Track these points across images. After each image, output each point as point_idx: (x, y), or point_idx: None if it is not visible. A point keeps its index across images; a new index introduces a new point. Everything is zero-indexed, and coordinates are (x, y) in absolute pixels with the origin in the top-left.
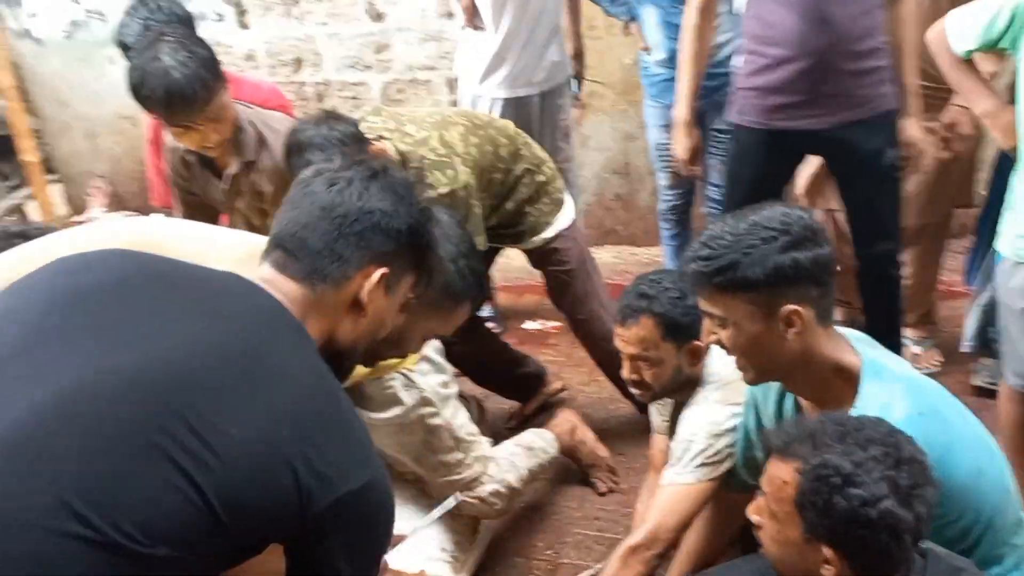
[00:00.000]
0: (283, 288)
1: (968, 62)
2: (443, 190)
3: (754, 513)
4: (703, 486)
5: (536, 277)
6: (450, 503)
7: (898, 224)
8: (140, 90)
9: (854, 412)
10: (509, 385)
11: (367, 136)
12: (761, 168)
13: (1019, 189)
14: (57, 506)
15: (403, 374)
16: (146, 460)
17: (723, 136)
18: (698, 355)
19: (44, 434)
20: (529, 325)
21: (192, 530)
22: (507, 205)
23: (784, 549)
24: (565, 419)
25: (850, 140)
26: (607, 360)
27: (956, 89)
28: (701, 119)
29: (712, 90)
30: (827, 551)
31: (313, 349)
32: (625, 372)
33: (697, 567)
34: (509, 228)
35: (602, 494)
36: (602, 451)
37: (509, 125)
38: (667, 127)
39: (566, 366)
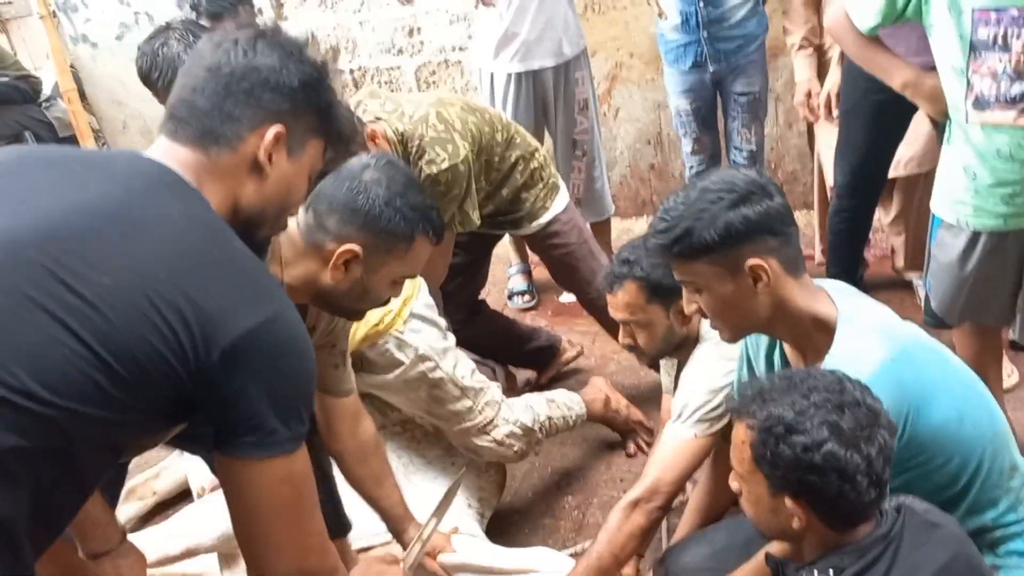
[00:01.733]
0: (175, 155)
1: (875, 39)
2: (443, 165)
3: (732, 481)
4: (701, 441)
5: None
6: (456, 484)
7: None
8: (149, 75)
9: (828, 360)
10: (521, 361)
11: (363, 119)
12: None
13: (947, 157)
14: None
15: (394, 336)
16: (25, 315)
17: (743, 99)
18: (688, 315)
19: None
20: (564, 299)
21: (91, 383)
22: (503, 192)
23: (758, 509)
24: (597, 388)
25: None
26: None
27: (868, 68)
28: (720, 83)
29: (730, 53)
30: (789, 502)
31: (203, 204)
32: (620, 338)
33: (705, 522)
34: (507, 215)
35: (630, 455)
36: (636, 415)
37: (501, 115)
38: (686, 92)
39: (599, 336)
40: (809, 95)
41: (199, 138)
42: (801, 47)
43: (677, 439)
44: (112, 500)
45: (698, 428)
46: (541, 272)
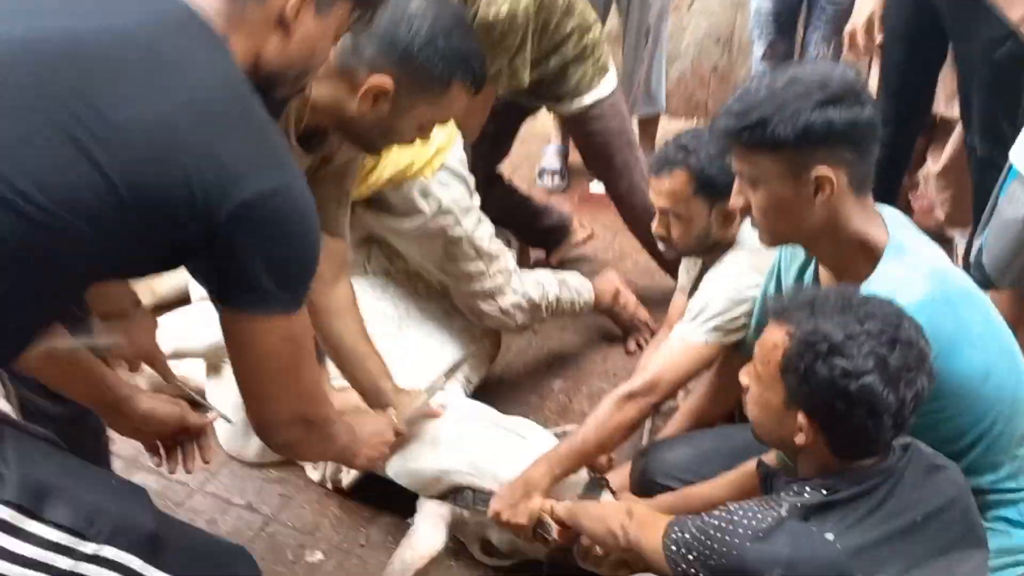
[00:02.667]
0: (203, 1)
1: None
2: (503, 9)
3: (744, 376)
4: (710, 349)
5: None
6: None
7: None
8: None
9: (865, 287)
10: (532, 238)
11: None
12: None
13: None
14: None
15: (421, 183)
16: (42, 125)
17: (831, 8)
18: (730, 218)
19: None
20: (595, 188)
21: (95, 202)
22: (551, 62)
23: (764, 413)
24: (609, 280)
25: None
26: (647, 236)
27: None
28: None
29: None
30: (802, 418)
31: (227, 56)
32: (654, 225)
33: (694, 428)
34: (549, 87)
35: (629, 353)
36: (642, 314)
37: None
38: None
39: (621, 232)
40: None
41: None
42: None
43: (686, 341)
44: None
45: (710, 336)
46: (576, 157)
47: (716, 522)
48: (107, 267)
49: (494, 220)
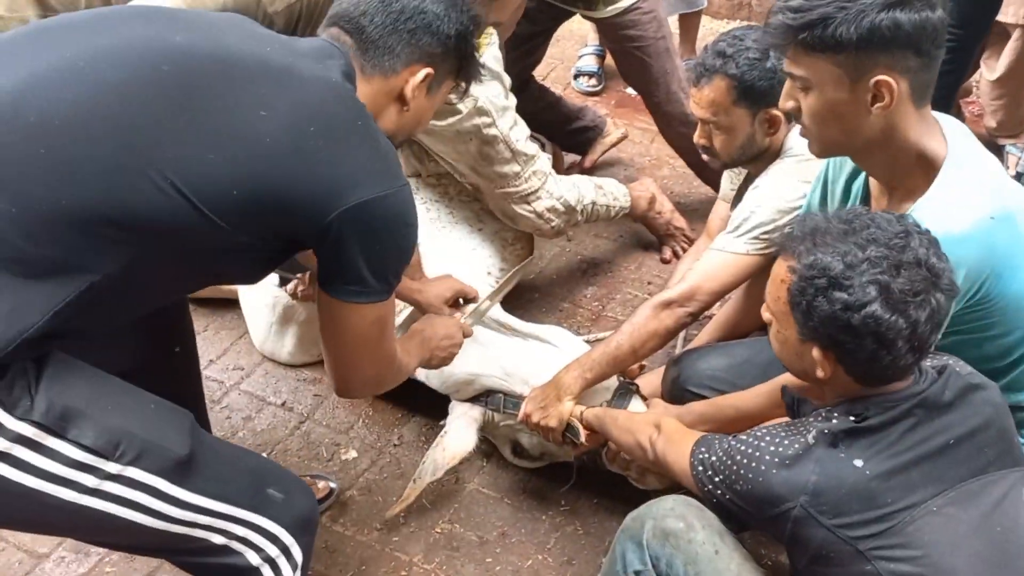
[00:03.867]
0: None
1: None
2: None
3: (764, 312)
4: (752, 259)
5: None
6: (520, 270)
7: None
8: None
9: (921, 202)
10: (566, 139)
11: None
12: None
13: None
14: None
15: (455, 92)
16: (196, 128)
17: None
18: (775, 124)
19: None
20: (631, 90)
21: (246, 215)
22: None
23: (784, 348)
24: (644, 186)
25: None
26: (685, 145)
27: None
28: None
29: None
30: (816, 352)
31: (351, 90)
32: (696, 136)
33: (728, 338)
34: None
35: (665, 261)
36: (679, 221)
37: None
38: None
39: (659, 137)
40: None
41: (358, 56)
42: None
43: (727, 251)
44: None
45: (752, 246)
46: (613, 60)
47: (743, 447)
48: (239, 256)
49: (531, 120)
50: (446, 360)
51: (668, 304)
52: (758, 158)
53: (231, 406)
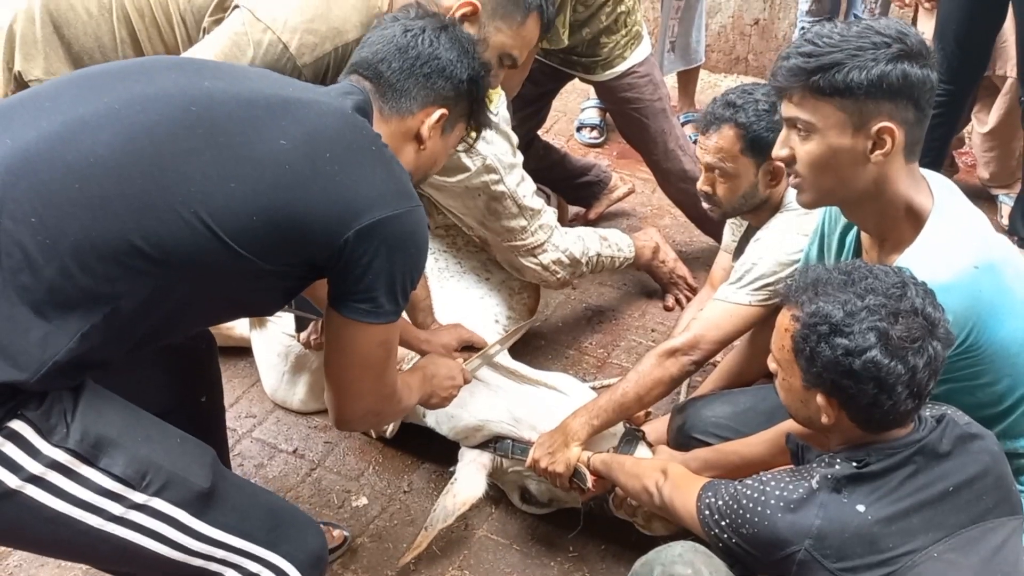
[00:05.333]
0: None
1: None
2: None
3: (770, 362)
4: (754, 310)
5: None
6: (527, 325)
7: None
8: None
9: (908, 252)
10: (571, 192)
11: None
12: None
13: None
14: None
15: (466, 141)
16: (219, 163)
17: None
18: (778, 177)
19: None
20: None
21: (265, 242)
22: (583, 32)
23: (789, 395)
24: (648, 236)
25: None
26: (685, 200)
27: None
28: None
29: None
30: (820, 399)
31: (364, 121)
32: (700, 183)
33: (732, 386)
34: (581, 57)
35: (668, 309)
36: (682, 270)
37: None
38: None
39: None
40: None
41: (376, 99)
42: None
43: (730, 302)
44: None
45: (754, 296)
46: None
47: (748, 491)
48: (257, 284)
49: (533, 178)
50: (445, 401)
51: (673, 352)
52: (758, 209)
53: (243, 453)
